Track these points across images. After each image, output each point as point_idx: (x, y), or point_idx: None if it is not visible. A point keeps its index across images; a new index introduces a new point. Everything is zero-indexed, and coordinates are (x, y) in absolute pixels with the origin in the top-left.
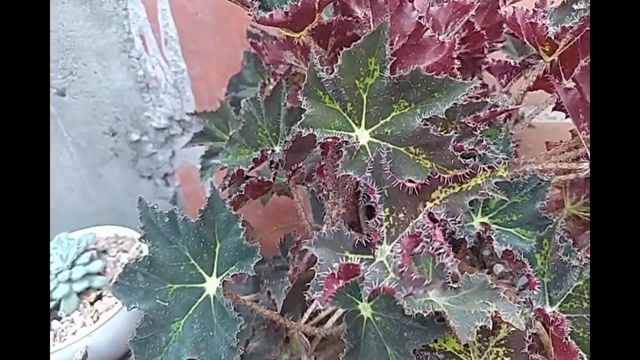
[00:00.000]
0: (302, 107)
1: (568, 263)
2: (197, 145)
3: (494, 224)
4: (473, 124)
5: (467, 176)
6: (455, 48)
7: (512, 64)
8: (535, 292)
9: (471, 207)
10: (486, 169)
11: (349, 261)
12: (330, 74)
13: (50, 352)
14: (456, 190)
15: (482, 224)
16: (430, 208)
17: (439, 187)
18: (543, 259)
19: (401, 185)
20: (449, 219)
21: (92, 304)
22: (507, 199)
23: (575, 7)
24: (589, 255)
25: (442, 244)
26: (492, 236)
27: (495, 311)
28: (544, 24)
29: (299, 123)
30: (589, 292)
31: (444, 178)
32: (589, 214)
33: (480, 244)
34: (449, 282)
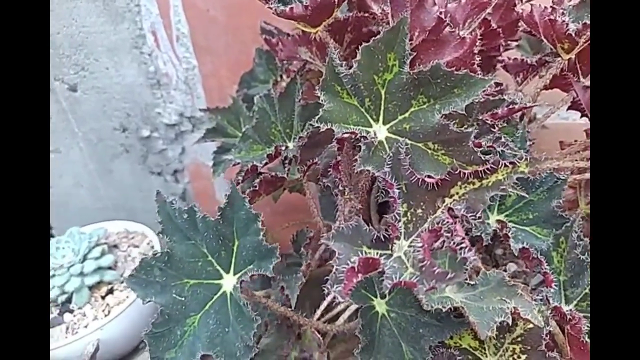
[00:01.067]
0: (317, 102)
1: (585, 262)
2: (208, 141)
3: (510, 221)
4: (491, 121)
5: (487, 172)
6: (476, 44)
7: (529, 62)
8: (551, 290)
9: (488, 206)
10: (507, 164)
11: (368, 255)
12: (349, 69)
13: (50, 349)
14: (476, 186)
15: (499, 221)
16: (450, 204)
17: (459, 183)
18: (560, 257)
19: (420, 180)
20: (468, 215)
21: (103, 297)
22: (526, 195)
23: None
24: None
25: (463, 238)
26: (509, 234)
27: (514, 307)
28: (564, 21)
29: (316, 118)
30: None
31: (463, 174)
32: None
33: (493, 243)
34: (466, 279)
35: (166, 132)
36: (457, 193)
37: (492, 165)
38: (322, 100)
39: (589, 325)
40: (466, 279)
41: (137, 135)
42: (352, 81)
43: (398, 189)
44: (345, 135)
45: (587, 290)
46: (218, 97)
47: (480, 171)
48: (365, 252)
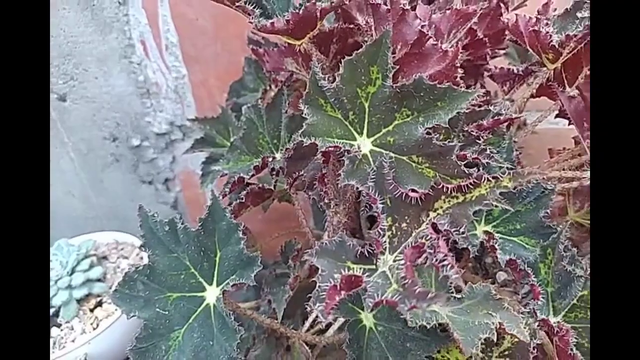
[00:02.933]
0: (303, 115)
1: (572, 273)
2: (197, 151)
3: (498, 232)
4: (476, 133)
5: (471, 186)
6: (459, 57)
7: (515, 71)
8: (539, 302)
9: (475, 217)
10: (490, 179)
11: (351, 272)
12: (332, 82)
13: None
14: (460, 200)
15: (486, 232)
16: (434, 218)
17: (443, 197)
18: (547, 268)
19: (404, 194)
20: (452, 230)
21: (91, 310)
22: (510, 208)
23: (579, 15)
24: None
25: (445, 255)
26: (496, 245)
27: (500, 322)
28: (547, 32)
29: (300, 132)
30: None
31: (447, 188)
32: None
33: (483, 252)
34: (452, 293)
35: (156, 141)
36: (441, 207)
37: (475, 180)
38: (305, 114)
39: (577, 337)
40: (452, 292)
41: (128, 144)
42: (336, 94)
43: (382, 203)
44: (331, 149)
45: (575, 301)
46: (208, 105)
47: (464, 185)
48: (350, 268)
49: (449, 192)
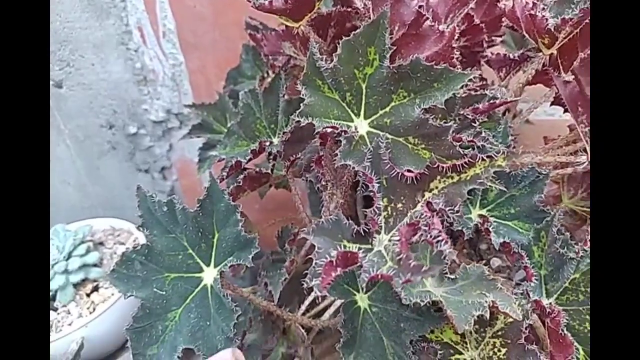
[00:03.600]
0: (301, 97)
1: (565, 255)
2: (194, 137)
3: (492, 216)
4: (472, 116)
5: (465, 166)
6: (455, 38)
7: (511, 57)
8: (532, 284)
9: (469, 198)
10: (485, 158)
11: (347, 249)
12: (330, 63)
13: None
14: (455, 180)
15: (480, 216)
16: (429, 198)
17: (438, 177)
18: (540, 251)
19: (400, 175)
20: (447, 209)
21: (88, 295)
22: (505, 189)
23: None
24: (586, 248)
25: (440, 232)
26: (490, 228)
27: (493, 301)
28: (543, 16)
29: (297, 112)
30: (585, 284)
31: (442, 168)
32: (586, 209)
33: (478, 238)
34: (446, 273)
35: (153, 128)
36: (437, 187)
37: (470, 159)
38: (303, 95)
39: (568, 318)
40: (446, 273)
41: (124, 132)
42: (333, 75)
43: (378, 183)
44: (327, 130)
45: (567, 284)
46: (205, 93)
47: (459, 165)
48: (345, 247)
49: (444, 171)
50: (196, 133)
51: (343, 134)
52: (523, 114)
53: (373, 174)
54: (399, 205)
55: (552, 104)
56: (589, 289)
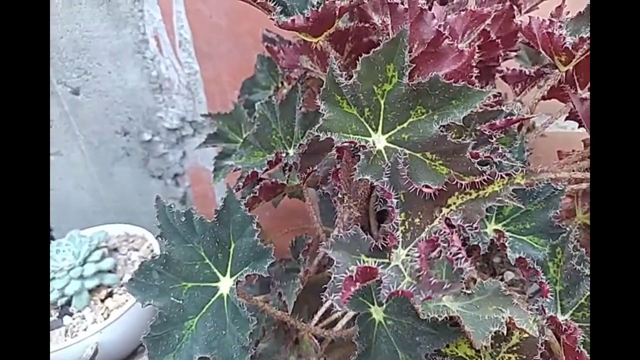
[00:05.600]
0: (318, 111)
1: (581, 272)
2: (210, 146)
3: (508, 231)
4: (489, 132)
5: (484, 183)
6: (474, 57)
7: (527, 73)
8: (547, 300)
9: (486, 215)
10: (504, 176)
11: (366, 264)
12: (349, 79)
13: (50, 352)
14: (473, 197)
15: (496, 231)
16: (447, 214)
17: (456, 194)
18: (556, 267)
19: (418, 190)
20: (465, 225)
21: (102, 301)
22: (522, 206)
23: None
24: None
25: (459, 249)
26: (506, 244)
27: (509, 317)
28: (561, 34)
29: (316, 127)
30: None
31: (460, 184)
32: None
33: (491, 251)
34: (462, 288)
35: (167, 136)
36: (454, 203)
37: (489, 177)
38: (322, 110)
39: (584, 335)
40: (462, 289)
41: (139, 139)
42: (352, 91)
43: (396, 198)
44: (345, 144)
45: (583, 300)
46: (220, 102)
47: (477, 182)
48: (364, 261)
49: (462, 188)
50: (212, 142)
51: (361, 148)
52: (538, 128)
53: (391, 189)
54: (417, 220)
55: (567, 118)
56: None
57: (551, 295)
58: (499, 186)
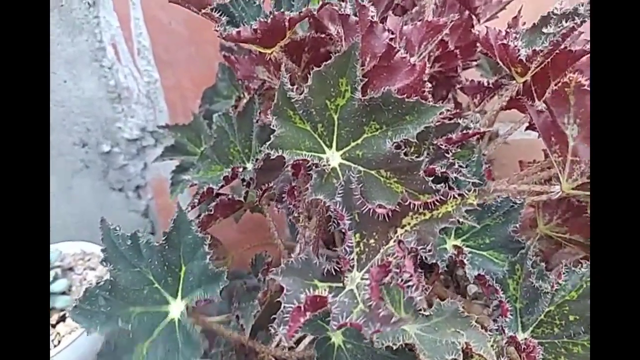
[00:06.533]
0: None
1: (539, 289)
2: (168, 159)
3: (467, 246)
4: (445, 146)
5: (437, 203)
6: (426, 72)
7: (485, 84)
8: (507, 320)
9: (444, 231)
10: (456, 196)
11: (318, 291)
12: (301, 93)
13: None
14: (427, 217)
15: (455, 247)
16: (401, 235)
17: (410, 214)
18: (515, 284)
19: (372, 210)
20: (419, 248)
21: (54, 326)
22: (476, 225)
23: (544, 30)
24: (560, 281)
25: (411, 275)
26: (465, 260)
27: (466, 343)
28: (515, 46)
29: (267, 144)
30: (560, 317)
31: (414, 204)
32: (561, 235)
33: (455, 264)
34: (420, 310)
35: (127, 147)
36: (409, 224)
37: (442, 197)
38: (273, 125)
39: (544, 352)
40: (420, 310)
41: (97, 150)
42: (305, 106)
43: (350, 219)
44: (299, 162)
45: (542, 317)
46: (181, 110)
47: (430, 202)
48: (316, 287)
49: (416, 208)
50: (169, 155)
51: (314, 167)
52: (499, 139)
53: (344, 210)
54: (372, 241)
55: (527, 128)
56: (564, 322)
57: (511, 314)
58: (452, 207)
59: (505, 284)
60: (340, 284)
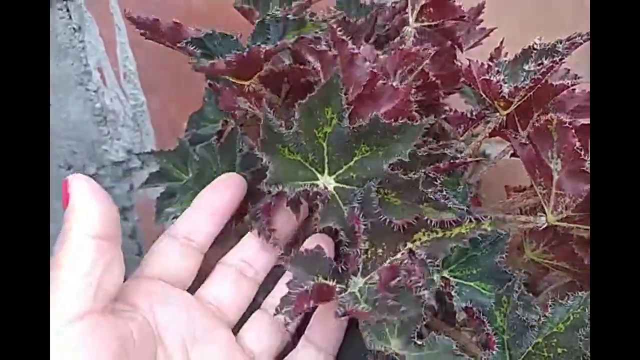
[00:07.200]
0: (258, 155)
1: (527, 321)
2: (152, 186)
3: (454, 277)
4: (434, 175)
5: (453, 223)
6: (412, 92)
7: (469, 115)
8: (494, 353)
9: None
10: (472, 219)
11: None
12: (290, 127)
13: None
14: (439, 236)
15: (443, 278)
16: (412, 247)
17: (423, 230)
18: (503, 316)
19: (387, 221)
20: (428, 261)
21: None
22: (466, 252)
23: (525, 67)
24: (547, 314)
25: (420, 278)
26: (452, 292)
27: None
28: (498, 81)
29: (265, 181)
30: (548, 349)
31: (430, 221)
32: (548, 261)
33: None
34: (413, 337)
35: (113, 169)
36: (420, 239)
37: (459, 219)
38: (265, 163)
39: None
40: (413, 337)
41: (83, 172)
42: (295, 139)
43: (364, 224)
44: (300, 193)
45: (530, 349)
46: (168, 133)
47: (447, 221)
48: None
49: (430, 226)
50: (154, 181)
51: (317, 197)
52: (484, 168)
53: (361, 215)
54: (380, 250)
55: (512, 155)
56: (552, 354)
57: (498, 347)
58: (467, 229)
59: (493, 315)
60: (343, 285)
